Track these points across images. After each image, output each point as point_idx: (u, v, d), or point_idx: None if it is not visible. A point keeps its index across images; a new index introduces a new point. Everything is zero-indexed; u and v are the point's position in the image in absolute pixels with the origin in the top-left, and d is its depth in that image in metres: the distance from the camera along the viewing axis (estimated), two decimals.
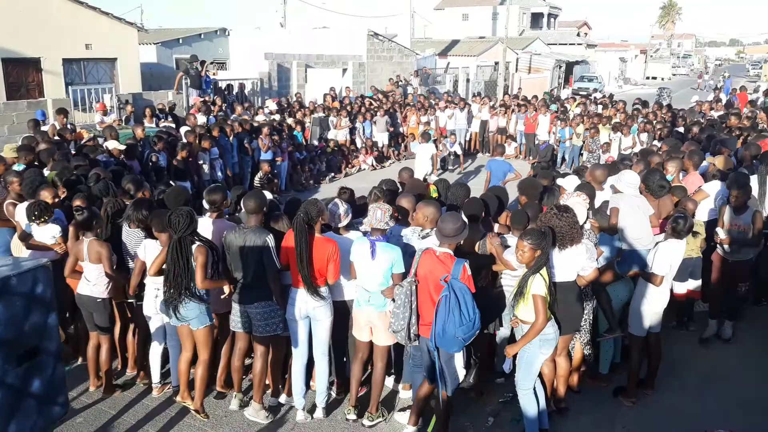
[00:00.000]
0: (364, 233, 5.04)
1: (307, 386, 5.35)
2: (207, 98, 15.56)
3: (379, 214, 4.82)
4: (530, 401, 4.72)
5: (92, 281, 5.29)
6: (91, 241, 5.20)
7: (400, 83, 23.01)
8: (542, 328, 4.42)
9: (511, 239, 5.18)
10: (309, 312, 5.01)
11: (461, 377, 4.85)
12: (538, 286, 4.38)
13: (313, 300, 4.91)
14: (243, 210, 5.33)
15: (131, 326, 5.82)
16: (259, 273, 4.93)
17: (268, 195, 6.10)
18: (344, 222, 5.11)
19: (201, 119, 13.75)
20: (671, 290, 5.77)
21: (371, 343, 5.14)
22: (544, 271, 4.43)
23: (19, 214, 6.14)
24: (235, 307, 5.12)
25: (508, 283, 5.26)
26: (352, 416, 5.23)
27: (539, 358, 4.67)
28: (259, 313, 5.04)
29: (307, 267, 4.78)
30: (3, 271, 2.74)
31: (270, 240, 4.87)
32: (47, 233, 5.71)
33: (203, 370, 5.11)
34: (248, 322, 5.12)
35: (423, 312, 4.55)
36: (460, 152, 17.13)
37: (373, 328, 5.02)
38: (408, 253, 4.94)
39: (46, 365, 2.86)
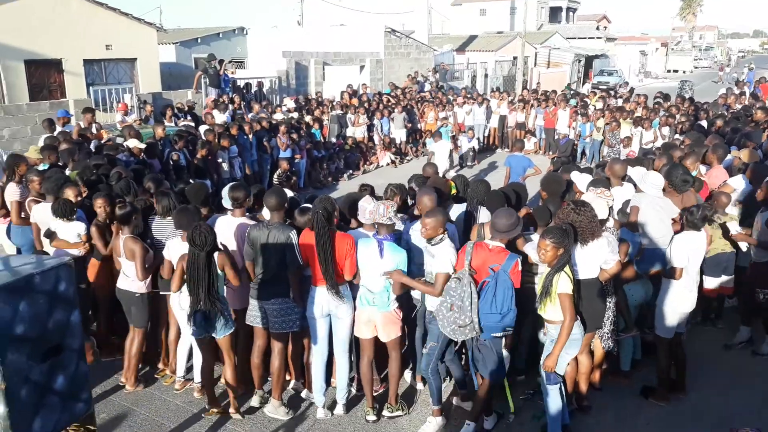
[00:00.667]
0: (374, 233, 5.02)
1: (328, 383, 5.35)
2: (224, 97, 15.64)
3: (381, 209, 4.80)
4: (555, 399, 4.66)
5: (130, 276, 5.38)
6: (127, 239, 5.27)
7: (418, 79, 22.95)
8: (572, 326, 4.38)
9: (534, 235, 5.14)
10: (331, 310, 5.01)
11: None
12: (564, 284, 4.32)
13: (334, 298, 4.91)
14: (264, 208, 5.37)
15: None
16: (279, 269, 4.95)
17: (288, 193, 6.13)
18: (371, 219, 4.98)
19: (220, 118, 13.83)
20: (701, 286, 5.67)
21: (375, 341, 5.13)
22: (568, 268, 4.37)
23: (38, 213, 6.24)
24: (253, 303, 5.15)
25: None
26: (372, 417, 5.21)
27: (565, 359, 4.63)
28: (275, 309, 5.05)
29: (331, 264, 4.77)
30: (26, 269, 2.77)
31: (293, 236, 4.89)
32: (72, 231, 5.79)
33: (232, 372, 5.10)
34: (266, 318, 5.14)
35: None
36: (476, 147, 17.06)
37: (376, 325, 5.02)
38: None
39: (69, 362, 2.89)
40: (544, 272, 4.53)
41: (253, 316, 5.18)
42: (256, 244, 4.98)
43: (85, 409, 3.01)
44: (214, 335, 4.91)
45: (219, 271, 4.69)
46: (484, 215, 5.59)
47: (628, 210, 5.87)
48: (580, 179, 6.25)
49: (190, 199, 5.71)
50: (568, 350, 4.54)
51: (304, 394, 5.54)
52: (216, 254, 4.68)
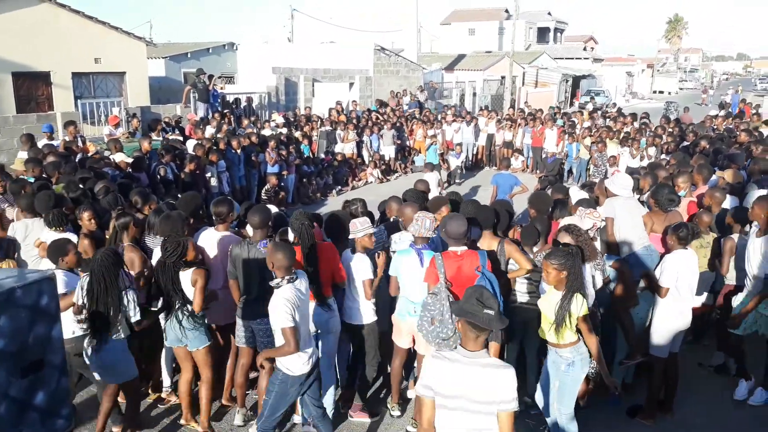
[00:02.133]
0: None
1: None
2: (215, 115, 15.61)
3: (428, 224, 4.92)
4: (575, 425, 4.59)
5: None
6: (126, 247, 5.22)
7: (399, 95, 23.03)
8: (597, 345, 4.39)
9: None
10: (321, 326, 4.97)
11: None
12: (582, 306, 4.30)
13: (324, 313, 4.89)
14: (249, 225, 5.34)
15: None
16: (262, 288, 4.80)
17: (273, 209, 6.11)
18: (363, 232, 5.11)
19: (209, 131, 13.80)
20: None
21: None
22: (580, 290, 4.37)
23: (16, 228, 6.21)
24: (239, 322, 5.07)
25: (521, 290, 5.27)
26: (397, 413, 5.31)
27: (581, 379, 4.58)
28: (262, 329, 4.93)
29: (317, 277, 4.78)
30: (8, 282, 2.73)
31: None
32: None
33: (207, 389, 5.04)
34: (252, 337, 5.07)
35: None
36: (463, 163, 17.19)
37: (415, 337, 5.07)
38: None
39: (50, 378, 2.85)
40: (549, 296, 4.47)
41: (239, 335, 5.10)
42: (237, 262, 4.93)
43: (66, 425, 2.96)
44: (189, 348, 4.89)
45: (191, 286, 4.68)
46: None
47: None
48: (579, 196, 6.36)
49: (180, 208, 5.68)
50: (583, 369, 4.49)
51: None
52: (192, 270, 4.69)
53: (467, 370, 3.08)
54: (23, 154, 9.93)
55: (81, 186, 7.24)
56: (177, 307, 4.71)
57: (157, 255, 5.27)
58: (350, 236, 5.18)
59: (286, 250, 4.14)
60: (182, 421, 5.22)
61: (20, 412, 2.69)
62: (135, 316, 4.48)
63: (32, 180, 7.72)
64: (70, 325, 4.63)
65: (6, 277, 2.86)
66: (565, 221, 5.57)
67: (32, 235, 6.13)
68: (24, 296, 2.74)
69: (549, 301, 4.44)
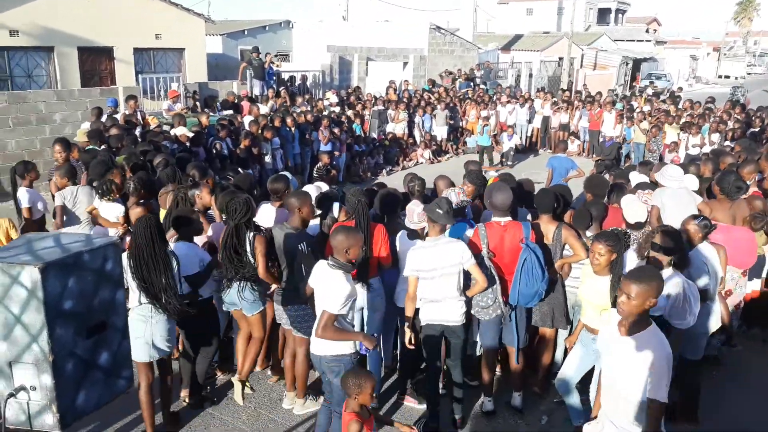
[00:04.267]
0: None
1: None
2: (269, 92, 15.79)
3: (415, 216, 4.94)
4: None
5: None
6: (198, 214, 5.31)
7: (452, 75, 22.75)
8: None
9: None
10: (364, 302, 4.92)
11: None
12: None
13: (367, 291, 4.87)
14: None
15: None
16: (290, 275, 4.82)
17: (324, 186, 6.13)
18: (419, 224, 4.95)
19: (264, 109, 13.98)
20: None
21: None
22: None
23: (65, 195, 6.38)
24: (278, 306, 5.03)
25: (572, 284, 5.12)
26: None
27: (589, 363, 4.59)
28: (292, 316, 4.92)
29: (366, 258, 4.71)
30: (76, 246, 2.83)
31: (303, 247, 4.72)
32: (111, 211, 5.96)
33: (255, 348, 5.14)
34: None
35: (500, 281, 4.77)
36: (516, 145, 16.94)
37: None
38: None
39: (112, 340, 2.95)
40: (594, 283, 4.37)
41: (278, 317, 5.10)
42: (276, 244, 4.84)
43: (126, 386, 3.07)
44: (244, 312, 4.99)
45: (251, 252, 4.71)
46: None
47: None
48: (639, 180, 6.23)
49: (243, 188, 5.82)
50: (590, 355, 4.48)
51: None
52: (254, 235, 4.71)
53: (435, 250, 4.51)
54: (86, 126, 10.29)
55: (141, 159, 7.47)
56: (238, 273, 4.75)
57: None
58: (406, 222, 5.06)
59: (348, 234, 3.96)
60: (235, 378, 5.28)
61: (85, 371, 2.81)
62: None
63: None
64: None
65: (74, 241, 2.96)
66: (623, 200, 5.42)
67: (80, 202, 6.34)
68: (91, 260, 2.83)
69: (595, 289, 4.35)
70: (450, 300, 4.63)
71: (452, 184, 6.12)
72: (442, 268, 4.52)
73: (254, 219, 4.88)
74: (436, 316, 4.69)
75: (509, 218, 4.82)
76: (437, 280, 4.55)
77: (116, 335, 2.99)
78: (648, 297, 3.05)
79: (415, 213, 4.94)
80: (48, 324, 2.56)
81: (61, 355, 2.63)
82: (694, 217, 4.97)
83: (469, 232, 4.92)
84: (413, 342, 4.73)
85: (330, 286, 3.90)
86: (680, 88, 26.88)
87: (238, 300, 4.91)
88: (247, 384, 5.30)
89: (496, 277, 4.74)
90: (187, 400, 5.21)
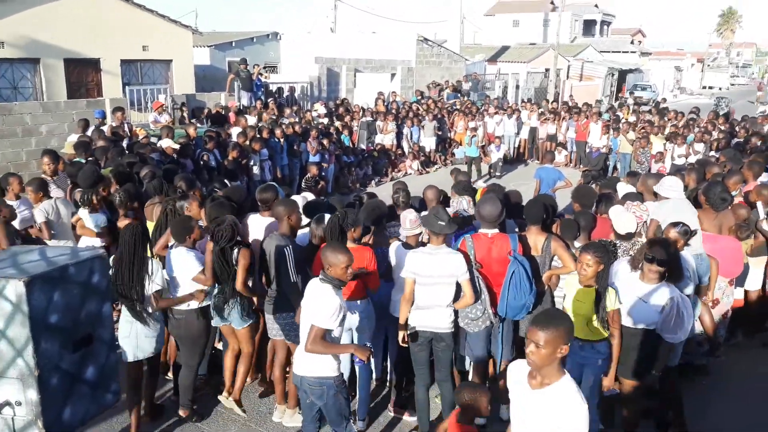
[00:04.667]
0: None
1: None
2: (257, 103, 15.79)
3: (408, 223, 4.97)
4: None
5: None
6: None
7: (439, 86, 22.88)
8: (620, 340, 4.33)
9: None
10: (350, 323, 4.81)
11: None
12: (615, 300, 4.26)
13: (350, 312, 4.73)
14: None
15: None
16: (278, 283, 4.85)
17: (311, 197, 6.14)
18: (412, 231, 4.97)
19: (251, 120, 13.96)
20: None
21: None
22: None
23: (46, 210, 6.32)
24: (269, 317, 5.02)
25: (560, 295, 5.12)
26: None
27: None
28: (282, 324, 4.92)
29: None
30: (62, 260, 2.81)
31: (288, 251, 4.72)
32: (93, 221, 5.96)
33: (245, 364, 5.14)
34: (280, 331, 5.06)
35: (488, 292, 4.77)
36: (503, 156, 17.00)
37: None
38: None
39: (99, 353, 2.93)
40: (580, 295, 4.36)
41: (269, 327, 5.09)
42: (266, 252, 4.90)
43: (114, 400, 3.04)
44: (234, 326, 4.99)
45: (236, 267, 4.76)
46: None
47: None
48: (627, 190, 6.23)
49: (234, 199, 5.80)
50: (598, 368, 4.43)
51: None
52: (238, 249, 4.76)
53: (435, 259, 4.53)
54: (73, 138, 10.23)
55: (128, 170, 7.43)
56: (227, 290, 4.81)
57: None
58: (400, 230, 5.08)
59: (335, 251, 3.92)
60: (221, 397, 5.27)
61: (71, 385, 2.78)
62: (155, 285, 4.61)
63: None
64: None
65: (59, 254, 2.94)
66: (612, 211, 5.45)
67: (63, 215, 6.31)
68: (77, 273, 2.81)
69: (581, 300, 4.36)
70: (439, 308, 4.63)
71: (440, 194, 6.17)
72: (439, 277, 4.54)
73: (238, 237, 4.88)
74: (425, 323, 4.68)
75: (497, 230, 4.83)
76: (431, 287, 4.58)
77: (103, 348, 2.96)
78: (559, 344, 2.70)
79: (407, 220, 4.95)
80: (33, 338, 2.53)
81: (47, 370, 2.60)
82: (674, 224, 4.95)
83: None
84: (405, 340, 4.72)
85: (318, 300, 3.86)
86: (664, 99, 27.09)
87: (225, 313, 4.91)
88: (239, 406, 5.25)
89: (485, 289, 4.73)
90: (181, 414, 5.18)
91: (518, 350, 5.32)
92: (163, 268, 4.82)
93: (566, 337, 2.73)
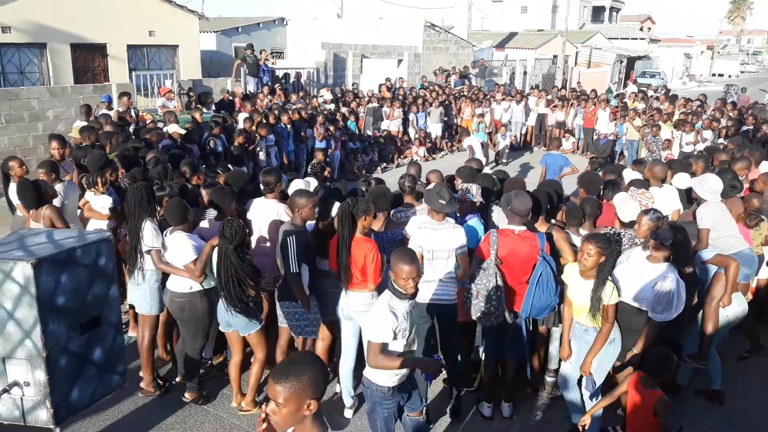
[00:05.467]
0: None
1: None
2: (264, 88, 15.76)
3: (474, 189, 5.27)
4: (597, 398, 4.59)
5: None
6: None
7: (446, 72, 22.77)
8: (608, 335, 4.33)
9: (575, 238, 5.10)
10: (351, 314, 4.83)
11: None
12: (612, 294, 4.24)
13: (352, 301, 4.75)
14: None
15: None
16: (283, 271, 4.88)
17: (313, 182, 6.15)
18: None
19: (260, 104, 13.93)
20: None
21: None
22: (609, 278, 4.29)
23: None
24: (278, 303, 5.09)
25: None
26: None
27: (608, 362, 4.53)
28: (284, 312, 4.99)
29: (346, 262, 4.58)
30: (69, 242, 2.83)
31: (290, 240, 4.71)
32: (100, 203, 5.98)
33: (258, 369, 5.01)
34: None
35: (508, 289, 4.69)
36: (509, 144, 16.91)
37: None
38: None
39: (106, 335, 2.96)
40: (580, 286, 4.37)
41: (278, 314, 5.14)
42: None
43: (120, 381, 3.07)
44: (240, 333, 4.85)
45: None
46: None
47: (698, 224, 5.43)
48: (633, 177, 6.19)
49: (232, 185, 5.79)
50: (609, 352, 4.44)
51: (337, 387, 5.37)
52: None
53: (438, 233, 4.68)
54: (80, 123, 10.25)
55: (134, 155, 7.47)
56: (238, 294, 4.57)
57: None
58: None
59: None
60: (233, 404, 5.17)
61: (79, 366, 2.80)
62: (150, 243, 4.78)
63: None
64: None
65: (66, 237, 2.96)
66: (616, 199, 5.44)
67: (71, 199, 6.31)
68: (83, 256, 2.83)
69: (580, 292, 4.37)
70: (443, 280, 4.73)
71: (443, 178, 6.19)
72: (441, 251, 4.68)
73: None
74: (429, 295, 4.74)
75: (524, 227, 4.68)
76: (433, 262, 4.69)
77: (110, 330, 2.99)
78: (304, 400, 2.18)
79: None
80: (41, 320, 2.56)
81: (55, 351, 2.63)
82: (646, 212, 4.87)
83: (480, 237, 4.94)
84: None
85: (372, 313, 3.71)
86: (665, 87, 26.83)
87: (229, 317, 4.73)
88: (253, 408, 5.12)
89: (501, 285, 4.61)
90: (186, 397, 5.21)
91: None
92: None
93: (313, 389, 2.19)
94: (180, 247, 4.76)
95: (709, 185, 5.53)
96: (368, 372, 3.75)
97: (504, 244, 4.63)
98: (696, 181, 5.72)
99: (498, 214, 5.58)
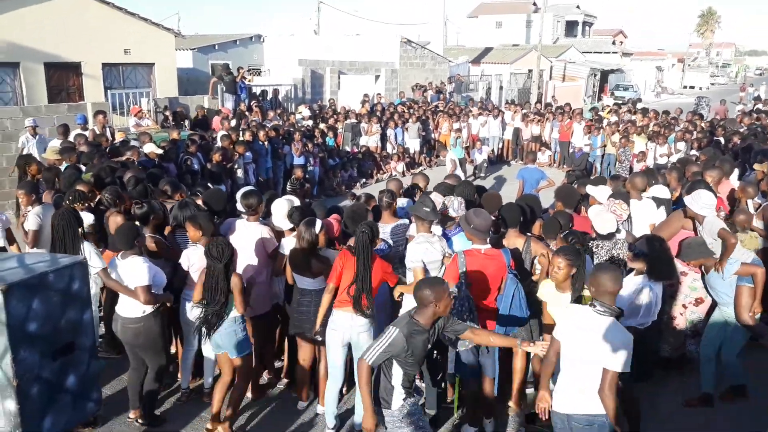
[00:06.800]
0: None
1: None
2: (242, 105, 15.72)
3: (456, 204, 5.32)
4: None
5: None
6: (148, 237, 5.27)
7: (422, 88, 22.95)
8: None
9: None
10: (352, 338, 4.78)
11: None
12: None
13: (356, 324, 4.71)
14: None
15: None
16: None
17: (296, 201, 6.11)
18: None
19: (234, 123, 13.90)
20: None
21: None
22: (585, 290, 4.27)
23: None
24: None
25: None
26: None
27: None
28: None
29: (368, 288, 4.60)
30: (40, 266, 2.78)
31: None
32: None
33: (239, 394, 4.94)
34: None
35: (479, 310, 4.66)
36: (487, 159, 17.05)
37: None
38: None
39: (81, 361, 2.90)
40: (557, 300, 4.39)
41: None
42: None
43: (95, 409, 3.01)
44: (230, 356, 4.76)
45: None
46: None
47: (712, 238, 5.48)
48: (597, 192, 6.22)
49: (212, 205, 5.74)
50: None
51: (319, 409, 5.33)
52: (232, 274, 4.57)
53: (433, 246, 4.87)
54: (55, 144, 10.12)
55: (110, 175, 7.37)
56: (220, 311, 4.53)
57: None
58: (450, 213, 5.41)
59: None
60: (208, 426, 4.93)
61: (52, 394, 2.74)
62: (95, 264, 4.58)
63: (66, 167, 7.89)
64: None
65: (38, 261, 2.91)
66: (591, 211, 5.49)
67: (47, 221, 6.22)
68: (56, 280, 2.78)
69: (560, 306, 4.38)
70: None
71: (428, 180, 6.39)
72: (435, 262, 4.88)
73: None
74: None
75: (489, 246, 4.70)
76: (428, 274, 4.83)
77: (84, 356, 2.93)
78: None
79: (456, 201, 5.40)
80: (12, 347, 2.50)
81: (26, 379, 2.56)
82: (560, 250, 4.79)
83: (447, 260, 4.92)
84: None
85: (613, 338, 3.42)
86: (639, 99, 27.29)
87: (220, 340, 4.65)
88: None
89: (473, 309, 4.56)
90: (139, 421, 4.96)
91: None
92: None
93: None
94: (136, 270, 4.59)
95: (703, 201, 5.60)
96: (589, 407, 3.54)
97: (471, 264, 4.60)
98: (690, 198, 5.78)
99: None
